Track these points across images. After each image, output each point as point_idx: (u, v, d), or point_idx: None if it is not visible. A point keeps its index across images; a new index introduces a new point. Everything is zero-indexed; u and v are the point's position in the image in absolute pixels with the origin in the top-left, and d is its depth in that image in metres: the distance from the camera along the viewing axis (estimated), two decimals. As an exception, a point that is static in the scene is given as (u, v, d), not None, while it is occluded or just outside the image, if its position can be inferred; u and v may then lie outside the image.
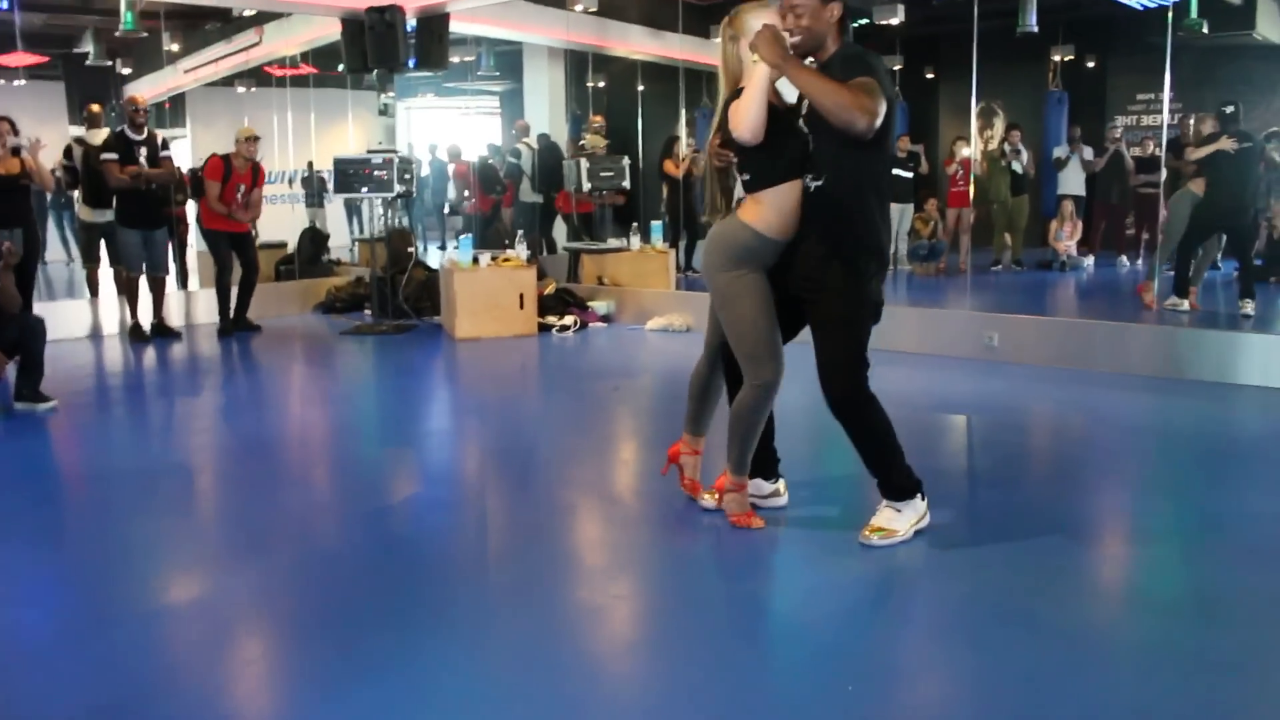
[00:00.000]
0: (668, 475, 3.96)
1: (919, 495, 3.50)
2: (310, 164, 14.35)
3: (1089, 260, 11.83)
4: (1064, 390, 5.98)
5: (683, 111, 12.13)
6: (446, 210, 15.96)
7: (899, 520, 3.46)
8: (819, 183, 3.30)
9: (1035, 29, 11.23)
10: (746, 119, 3.25)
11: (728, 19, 3.44)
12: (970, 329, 6.92)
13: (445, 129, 17.72)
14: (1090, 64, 13.88)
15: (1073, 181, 11.90)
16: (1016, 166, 11.80)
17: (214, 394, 6.75)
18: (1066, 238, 11.70)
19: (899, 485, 3.48)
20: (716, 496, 3.72)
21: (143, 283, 8.28)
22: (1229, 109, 8.16)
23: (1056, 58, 13.53)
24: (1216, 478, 4.40)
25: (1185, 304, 8.08)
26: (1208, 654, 2.71)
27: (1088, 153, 11.85)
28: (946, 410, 5.60)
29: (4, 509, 4.14)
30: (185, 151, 14.37)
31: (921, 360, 6.78)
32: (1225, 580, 3.20)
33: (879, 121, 3.10)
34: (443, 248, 15.85)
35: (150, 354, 7.90)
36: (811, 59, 3.33)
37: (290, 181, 14.34)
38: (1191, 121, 9.40)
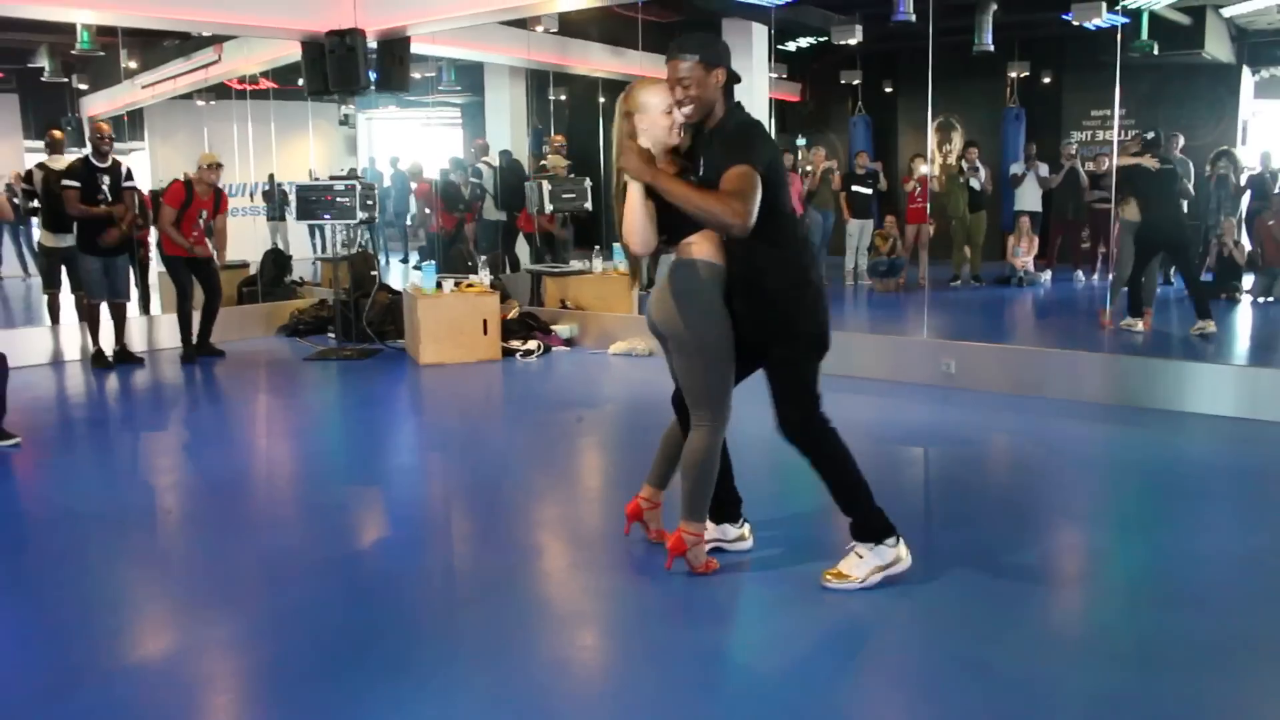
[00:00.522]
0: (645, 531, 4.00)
1: (891, 540, 3.56)
2: (271, 176, 14.31)
3: (1046, 275, 12.03)
4: (1020, 419, 6.10)
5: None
6: (409, 222, 15.97)
7: (860, 566, 3.53)
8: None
9: (991, 47, 11.45)
10: (634, 234, 3.41)
11: (623, 95, 3.48)
12: (928, 355, 7.03)
13: (406, 140, 17.73)
14: (1046, 80, 14.11)
15: (1029, 198, 12.10)
16: (974, 183, 11.99)
17: (177, 428, 6.75)
18: (1024, 253, 11.89)
19: (869, 526, 3.55)
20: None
21: (104, 308, 8.25)
22: (1150, 135, 8.56)
23: (1013, 74, 13.75)
24: (1166, 515, 4.51)
25: (1140, 324, 8.26)
26: (1154, 703, 2.82)
27: (1043, 169, 12.06)
28: (905, 442, 5.70)
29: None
30: (144, 164, 14.30)
31: (880, 386, 6.89)
32: (1169, 626, 3.30)
33: (752, 220, 3.19)
34: (405, 260, 15.86)
35: (113, 382, 7.86)
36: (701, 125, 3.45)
37: (251, 195, 14.28)
38: (1115, 144, 9.66)
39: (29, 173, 9.40)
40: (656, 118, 3.40)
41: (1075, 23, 10.29)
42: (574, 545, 4.22)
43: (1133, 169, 8.43)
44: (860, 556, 3.54)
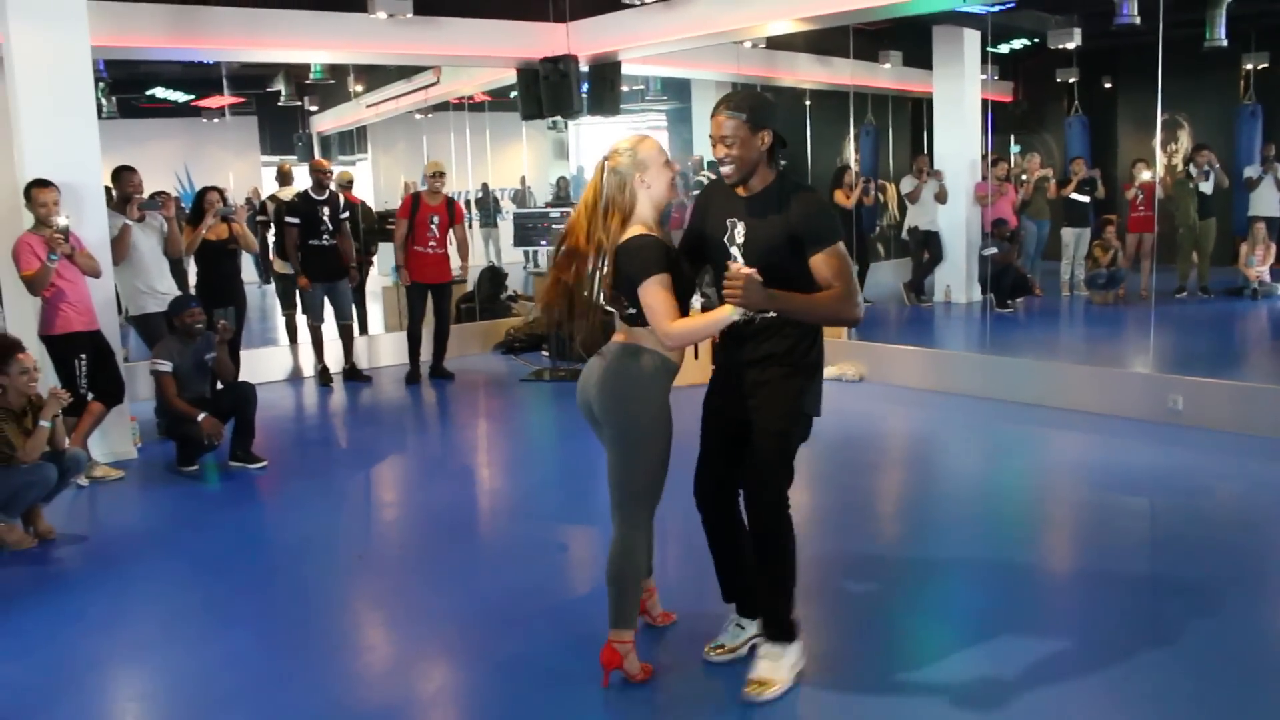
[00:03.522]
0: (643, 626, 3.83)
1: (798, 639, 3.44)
2: (485, 185, 14.90)
3: (1284, 285, 11.27)
4: (1259, 466, 5.77)
5: (851, 134, 12.11)
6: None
7: (779, 668, 3.39)
8: (768, 315, 3.25)
9: (1224, 42, 10.79)
10: (684, 340, 3.23)
11: (612, 151, 3.31)
12: (1153, 390, 6.73)
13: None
14: (1287, 71, 13.17)
15: (1266, 202, 11.34)
16: (1205, 188, 11.33)
17: (400, 454, 7.16)
18: (1259, 263, 11.16)
19: (786, 624, 3.41)
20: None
21: (330, 330, 8.82)
22: None
23: (1249, 66, 12.89)
24: None
25: None
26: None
27: (1288, 172, 11.27)
28: (1125, 490, 5.45)
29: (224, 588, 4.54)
30: (366, 175, 15.14)
31: (1097, 421, 6.66)
32: None
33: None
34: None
35: (339, 402, 8.41)
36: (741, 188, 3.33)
37: (467, 203, 14.90)
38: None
39: (263, 204, 10.12)
40: (659, 172, 3.30)
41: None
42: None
43: None
44: (779, 657, 3.40)
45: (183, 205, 10.20)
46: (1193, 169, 11.47)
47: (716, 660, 3.61)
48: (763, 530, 3.36)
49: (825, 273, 3.18)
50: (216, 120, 13.59)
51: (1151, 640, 3.70)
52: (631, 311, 3.28)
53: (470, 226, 14.86)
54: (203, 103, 13.49)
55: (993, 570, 4.36)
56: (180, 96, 13.43)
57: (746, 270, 3.08)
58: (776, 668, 3.38)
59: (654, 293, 3.16)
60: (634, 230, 3.27)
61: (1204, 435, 6.30)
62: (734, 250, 3.31)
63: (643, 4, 8.36)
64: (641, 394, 3.29)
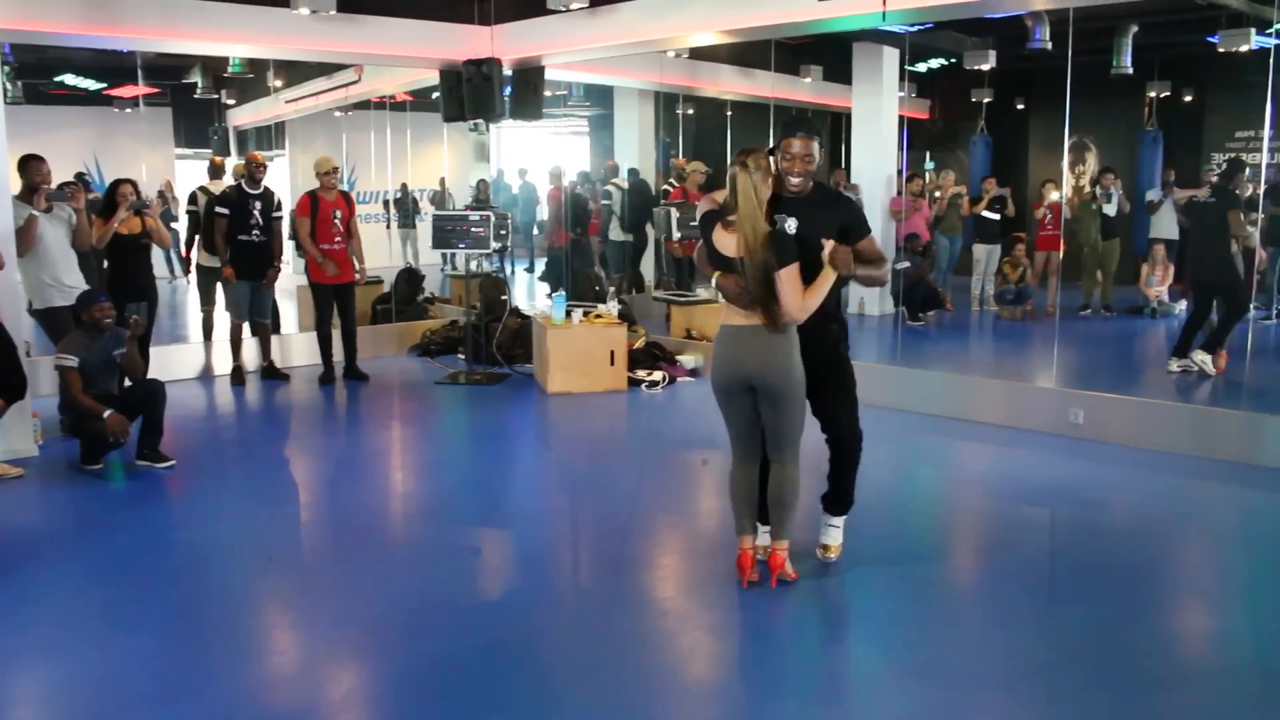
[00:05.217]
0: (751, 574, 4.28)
1: None
2: (404, 185, 14.79)
3: (1181, 305, 11.68)
4: (1153, 479, 6.00)
5: (772, 146, 12.26)
6: (536, 231, 16.27)
7: (839, 534, 4.60)
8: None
9: (1130, 69, 11.17)
10: (814, 308, 4.10)
11: (756, 155, 4.04)
12: (1055, 404, 6.95)
13: (536, 149, 18.03)
14: (1187, 99, 13.68)
15: (1165, 225, 11.78)
16: (1109, 210, 11.72)
17: (313, 454, 7.09)
18: (1158, 283, 11.59)
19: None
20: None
21: (246, 329, 8.69)
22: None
23: (1153, 94, 13.37)
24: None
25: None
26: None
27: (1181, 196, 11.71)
28: (1025, 500, 5.61)
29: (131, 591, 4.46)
30: (284, 172, 14.92)
31: (1000, 434, 6.86)
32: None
33: None
34: (530, 270, 16.17)
35: (254, 401, 8.30)
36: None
37: (386, 204, 14.76)
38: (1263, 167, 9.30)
39: (193, 194, 9.91)
40: (765, 176, 4.06)
41: (1221, 49, 9.97)
42: (703, 607, 4.31)
43: None
44: (836, 527, 4.59)
45: (94, 194, 9.98)
46: (1098, 191, 11.86)
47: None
48: (854, 452, 4.47)
49: (872, 247, 4.30)
50: (129, 110, 13.26)
51: (1048, 644, 3.84)
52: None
53: (389, 227, 14.80)
54: (115, 91, 13.17)
55: (896, 578, 4.46)
56: (91, 84, 13.09)
57: (843, 247, 4.09)
58: (838, 534, 4.61)
59: (792, 277, 3.99)
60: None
61: (1102, 449, 6.52)
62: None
63: (568, 10, 8.38)
64: (798, 361, 4.12)
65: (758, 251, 3.96)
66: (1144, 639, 3.94)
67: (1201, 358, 8.13)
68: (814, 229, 4.10)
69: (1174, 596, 4.52)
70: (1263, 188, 10.52)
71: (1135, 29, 10.92)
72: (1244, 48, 9.70)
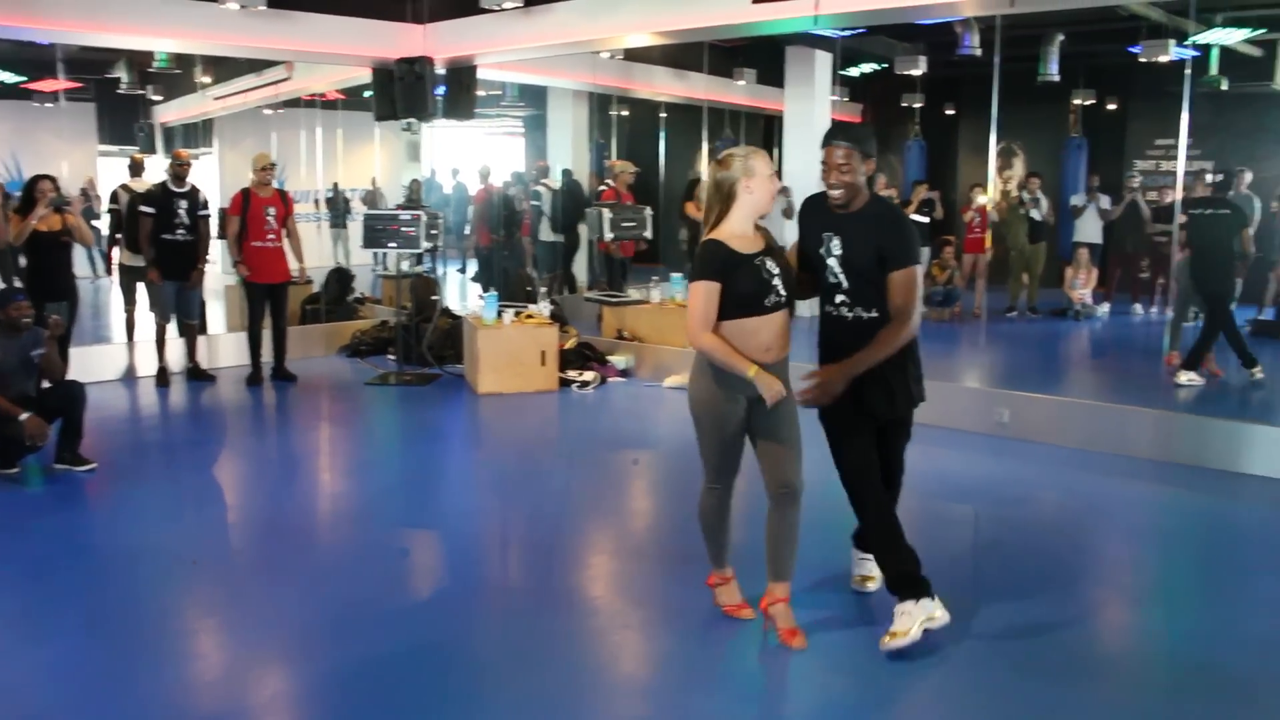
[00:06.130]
0: (700, 586, 4.15)
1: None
2: (335, 185, 14.61)
3: (1104, 307, 11.97)
4: (1075, 477, 6.13)
5: (704, 148, 12.33)
6: (467, 232, 16.16)
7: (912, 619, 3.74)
8: (872, 314, 3.76)
9: (1056, 77, 11.39)
10: (702, 350, 3.71)
11: (725, 155, 3.72)
12: (981, 404, 7.06)
13: (469, 149, 17.92)
14: (1111, 108, 14.00)
15: (1089, 229, 12.05)
16: (1035, 214, 11.94)
17: (239, 457, 6.99)
18: (1081, 286, 11.84)
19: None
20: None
21: (172, 329, 8.52)
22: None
23: (1078, 101, 13.66)
24: (1220, 591, 4.52)
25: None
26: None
27: (1105, 201, 12.01)
28: (951, 498, 5.70)
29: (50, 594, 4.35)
30: (212, 170, 14.66)
31: (928, 433, 6.89)
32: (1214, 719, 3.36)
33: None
34: (462, 270, 16.06)
35: (179, 403, 8.14)
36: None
37: (316, 202, 14.56)
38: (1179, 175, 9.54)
39: (114, 193, 9.67)
40: (764, 182, 3.64)
41: (1142, 59, 10.21)
42: (634, 604, 4.32)
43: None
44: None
45: (9, 193, 9.70)
46: (1025, 195, 12.09)
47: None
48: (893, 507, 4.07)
49: (895, 289, 3.67)
50: (50, 105, 12.91)
51: (972, 638, 3.89)
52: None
53: (319, 226, 14.60)
54: (35, 85, 12.81)
55: (824, 577, 4.50)
56: (9, 77, 12.74)
57: (824, 385, 3.73)
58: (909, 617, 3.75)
59: (693, 295, 3.62)
60: (717, 233, 3.66)
61: (1026, 447, 6.65)
62: (831, 261, 3.79)
63: (501, 9, 8.34)
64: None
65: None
66: (1065, 632, 4.02)
67: (1187, 377, 8.01)
68: (854, 250, 3.75)
69: (1094, 590, 4.62)
70: (1179, 195, 10.76)
71: (1061, 38, 11.14)
72: (1164, 58, 9.94)
